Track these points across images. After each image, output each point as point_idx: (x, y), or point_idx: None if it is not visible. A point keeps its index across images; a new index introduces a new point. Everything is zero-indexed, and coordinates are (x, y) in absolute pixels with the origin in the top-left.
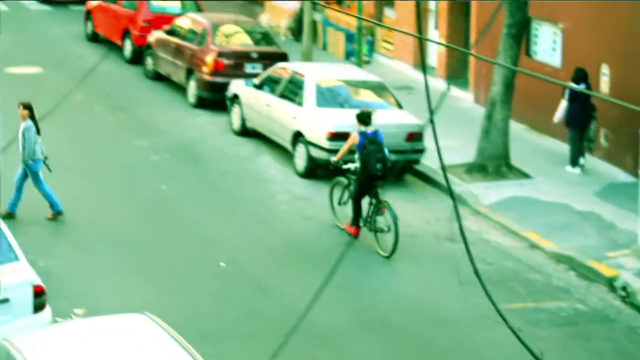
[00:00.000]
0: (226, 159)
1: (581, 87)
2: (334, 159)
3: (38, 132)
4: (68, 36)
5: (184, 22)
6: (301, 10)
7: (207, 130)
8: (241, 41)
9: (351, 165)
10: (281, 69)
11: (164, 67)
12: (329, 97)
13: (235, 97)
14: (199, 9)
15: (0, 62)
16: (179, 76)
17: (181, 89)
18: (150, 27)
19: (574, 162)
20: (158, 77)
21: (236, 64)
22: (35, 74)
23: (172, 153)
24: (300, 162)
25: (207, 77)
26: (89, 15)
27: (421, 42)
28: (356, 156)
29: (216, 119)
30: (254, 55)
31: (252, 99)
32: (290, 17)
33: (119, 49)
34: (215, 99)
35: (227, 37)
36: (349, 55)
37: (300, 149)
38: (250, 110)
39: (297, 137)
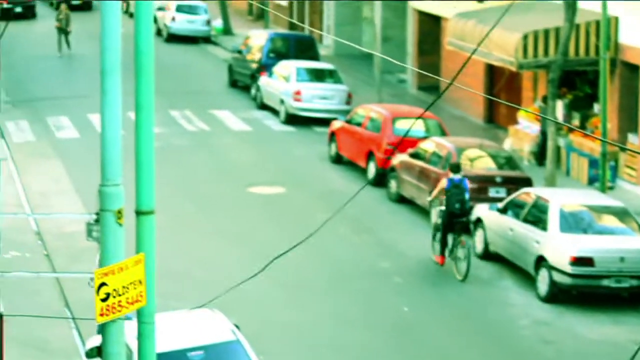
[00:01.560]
0: (468, 282)
1: None
2: (428, 198)
3: None
4: (311, 157)
5: (428, 146)
6: (544, 135)
7: None
8: (485, 165)
9: (442, 207)
10: (525, 194)
11: (408, 189)
12: (572, 223)
13: (479, 221)
14: (443, 133)
15: (243, 182)
16: (422, 199)
17: (424, 212)
18: (394, 149)
19: None
20: (401, 199)
21: (480, 188)
22: (278, 194)
23: (415, 276)
24: (543, 286)
25: None
26: (332, 136)
27: None
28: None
29: None
30: (498, 180)
31: (495, 222)
32: (533, 142)
33: (362, 171)
34: (458, 222)
35: (472, 161)
36: (592, 180)
37: (543, 274)
38: (494, 233)
39: (540, 261)
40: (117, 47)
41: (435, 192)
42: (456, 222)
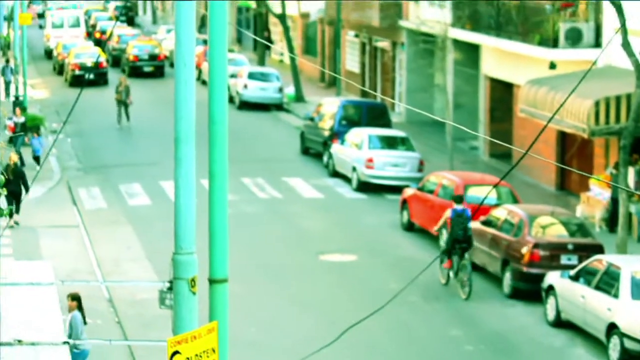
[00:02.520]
0: (540, 350)
1: None
2: (435, 227)
3: (85, 322)
4: (383, 225)
5: (500, 213)
6: (615, 201)
7: (522, 320)
8: (557, 232)
9: (445, 233)
10: (597, 261)
11: (479, 257)
12: None
13: (551, 288)
14: (515, 200)
15: (315, 249)
16: (494, 266)
17: (496, 279)
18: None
19: None
20: (473, 267)
21: (552, 255)
22: (350, 261)
23: (486, 343)
24: (614, 353)
25: (523, 268)
26: (404, 204)
27: None
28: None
29: (531, 309)
30: (570, 247)
31: (567, 290)
32: (604, 208)
33: (434, 239)
34: (530, 290)
35: (543, 228)
36: None
37: (615, 341)
38: (565, 301)
39: (612, 329)
40: (191, 115)
41: (441, 222)
42: (459, 247)
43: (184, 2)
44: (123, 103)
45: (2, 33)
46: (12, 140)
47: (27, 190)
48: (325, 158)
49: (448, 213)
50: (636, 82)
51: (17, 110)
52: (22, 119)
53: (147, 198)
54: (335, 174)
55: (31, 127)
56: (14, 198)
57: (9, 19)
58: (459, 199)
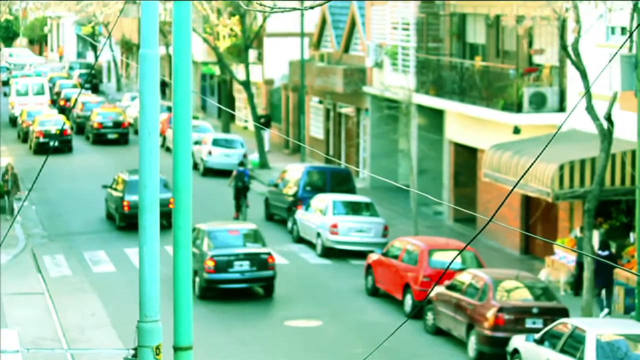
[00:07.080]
0: None
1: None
2: (227, 184)
3: None
4: (348, 290)
5: (464, 277)
6: (580, 265)
7: None
8: (522, 296)
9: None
10: (562, 324)
11: (445, 321)
12: (609, 352)
13: (516, 352)
14: (479, 265)
15: (280, 315)
16: (459, 331)
17: (461, 344)
18: (431, 282)
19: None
20: (438, 331)
21: (517, 319)
22: (315, 327)
23: None
24: None
25: (488, 332)
26: (369, 269)
27: None
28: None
29: None
30: (535, 311)
31: (532, 353)
32: (569, 272)
33: (399, 304)
34: (495, 354)
35: (508, 292)
36: (628, 310)
37: None
38: None
39: None
40: (156, 183)
41: (231, 179)
42: (241, 193)
43: (148, 70)
44: (7, 193)
45: None
46: None
47: None
48: (289, 224)
49: (235, 172)
50: (600, 145)
51: None
52: None
53: (112, 265)
54: (300, 239)
55: None
56: None
57: None
58: (242, 164)
